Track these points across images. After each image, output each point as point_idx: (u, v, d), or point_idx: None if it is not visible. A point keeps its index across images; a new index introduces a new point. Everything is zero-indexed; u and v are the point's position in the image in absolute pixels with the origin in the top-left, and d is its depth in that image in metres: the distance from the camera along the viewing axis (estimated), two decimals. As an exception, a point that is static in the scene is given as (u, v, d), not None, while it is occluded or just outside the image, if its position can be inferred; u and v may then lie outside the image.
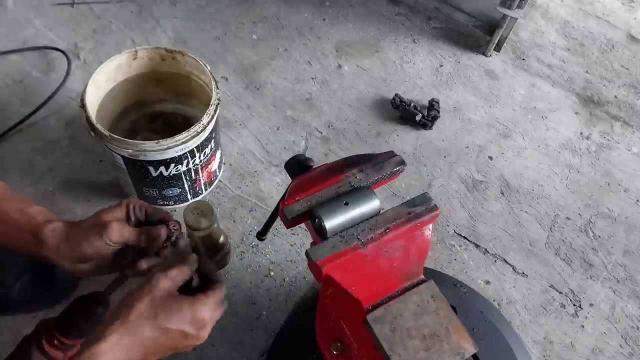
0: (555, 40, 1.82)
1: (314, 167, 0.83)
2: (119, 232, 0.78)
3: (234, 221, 1.33)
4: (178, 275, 0.73)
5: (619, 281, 1.33)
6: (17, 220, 0.78)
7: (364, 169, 0.78)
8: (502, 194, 1.45)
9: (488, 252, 1.35)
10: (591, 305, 1.29)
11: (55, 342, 0.66)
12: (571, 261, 1.35)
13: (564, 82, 1.71)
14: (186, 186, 1.26)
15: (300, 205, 0.75)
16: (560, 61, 1.77)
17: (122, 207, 0.82)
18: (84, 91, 1.13)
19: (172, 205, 1.30)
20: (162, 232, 0.81)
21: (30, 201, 0.82)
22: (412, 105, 1.55)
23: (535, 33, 1.83)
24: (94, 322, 0.70)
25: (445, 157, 1.50)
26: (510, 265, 1.33)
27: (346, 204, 0.73)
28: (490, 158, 1.52)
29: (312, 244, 0.76)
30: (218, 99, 1.16)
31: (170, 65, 1.26)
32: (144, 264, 0.78)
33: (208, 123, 1.14)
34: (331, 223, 0.72)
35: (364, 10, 1.82)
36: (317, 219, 0.73)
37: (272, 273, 1.26)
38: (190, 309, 0.71)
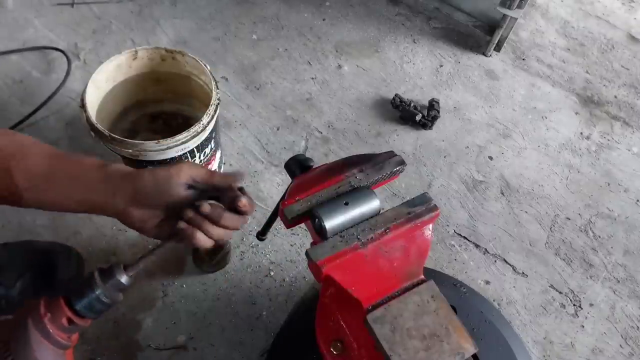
0: (555, 40, 1.82)
1: (314, 167, 0.83)
2: (188, 170, 0.70)
3: (234, 221, 1.33)
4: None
5: (619, 281, 1.33)
6: (75, 169, 0.71)
7: (364, 169, 0.78)
8: (502, 194, 1.45)
9: (488, 252, 1.35)
10: (591, 305, 1.29)
11: (64, 321, 0.62)
12: (571, 261, 1.35)
13: (564, 82, 1.71)
14: (186, 186, 1.25)
15: (300, 205, 0.75)
16: (560, 61, 1.77)
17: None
18: (84, 91, 1.13)
19: (172, 205, 1.30)
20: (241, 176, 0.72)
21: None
22: (412, 105, 1.55)
23: (535, 33, 1.83)
24: (115, 299, 0.65)
25: (445, 157, 1.50)
26: (510, 265, 1.33)
27: (346, 204, 0.73)
28: (490, 158, 1.52)
29: (312, 244, 0.76)
30: (218, 99, 1.16)
31: (170, 65, 1.26)
32: (206, 206, 0.68)
33: (208, 123, 1.13)
34: (331, 223, 0.72)
35: (364, 10, 1.82)
36: (317, 219, 0.73)
37: (272, 273, 1.26)
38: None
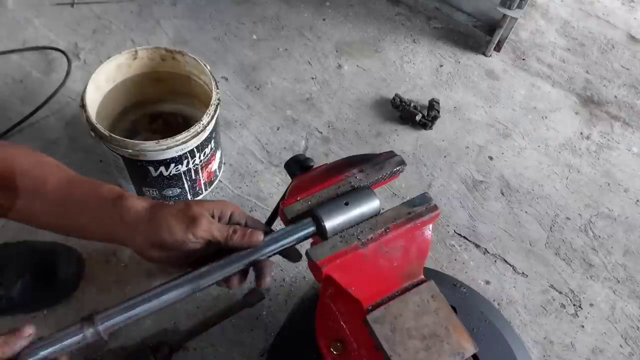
0: (555, 40, 1.82)
1: (314, 167, 0.83)
2: (207, 230, 0.69)
3: (234, 221, 1.33)
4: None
5: (619, 281, 1.33)
6: (91, 200, 0.71)
7: (364, 169, 0.78)
8: (502, 194, 1.45)
9: (488, 252, 1.35)
10: (591, 305, 1.29)
11: None
12: (571, 261, 1.35)
13: (564, 82, 1.71)
14: (186, 186, 1.25)
15: (300, 205, 0.75)
16: (560, 61, 1.77)
17: (217, 207, 0.73)
18: (84, 91, 1.13)
19: (172, 205, 1.30)
20: (261, 238, 0.73)
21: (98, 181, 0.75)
22: (412, 105, 1.55)
23: (535, 33, 1.83)
24: None
25: (445, 157, 1.50)
26: (510, 265, 1.33)
27: (346, 204, 0.73)
28: (490, 158, 1.52)
29: (312, 244, 0.76)
30: (218, 99, 1.16)
31: (170, 65, 1.26)
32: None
33: (208, 123, 1.14)
34: (331, 223, 0.72)
35: (364, 10, 1.82)
36: (317, 219, 0.73)
37: (272, 273, 1.26)
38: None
